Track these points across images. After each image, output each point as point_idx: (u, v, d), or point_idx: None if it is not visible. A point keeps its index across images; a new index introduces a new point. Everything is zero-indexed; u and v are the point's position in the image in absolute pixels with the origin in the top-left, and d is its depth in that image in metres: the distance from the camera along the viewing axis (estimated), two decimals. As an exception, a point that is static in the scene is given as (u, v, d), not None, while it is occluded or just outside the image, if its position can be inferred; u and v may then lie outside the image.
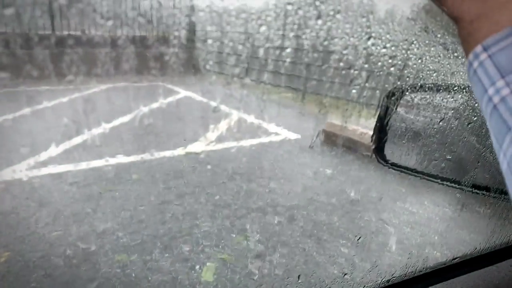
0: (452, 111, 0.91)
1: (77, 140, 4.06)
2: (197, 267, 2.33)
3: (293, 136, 4.92)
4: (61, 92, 5.67)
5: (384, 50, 2.54)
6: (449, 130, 0.86)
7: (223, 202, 3.09)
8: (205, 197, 3.14)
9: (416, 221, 3.08)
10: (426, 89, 0.98)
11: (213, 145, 4.32)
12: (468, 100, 0.87)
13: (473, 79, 0.34)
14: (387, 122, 0.88)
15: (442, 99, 0.94)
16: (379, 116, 0.91)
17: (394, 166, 0.90)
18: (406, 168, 0.90)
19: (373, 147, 0.93)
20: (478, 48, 0.32)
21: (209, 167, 3.72)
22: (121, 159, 3.70)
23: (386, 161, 0.91)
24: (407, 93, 0.94)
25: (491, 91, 0.31)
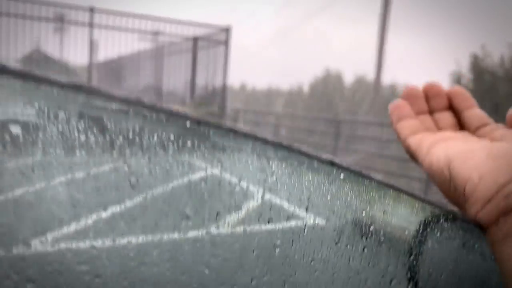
0: None
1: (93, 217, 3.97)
2: None
3: (321, 222, 4.74)
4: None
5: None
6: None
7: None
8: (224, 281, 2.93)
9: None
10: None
11: (237, 227, 4.17)
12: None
13: None
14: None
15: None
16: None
17: None
18: None
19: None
20: None
21: (230, 251, 3.53)
22: (140, 238, 3.58)
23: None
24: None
25: None
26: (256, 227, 0.38)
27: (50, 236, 0.30)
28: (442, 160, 0.39)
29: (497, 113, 0.46)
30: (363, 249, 0.39)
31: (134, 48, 8.79)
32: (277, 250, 0.35)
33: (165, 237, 0.31)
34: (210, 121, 0.29)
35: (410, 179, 7.00)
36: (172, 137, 0.30)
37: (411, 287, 0.48)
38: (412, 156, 0.44)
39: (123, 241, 0.30)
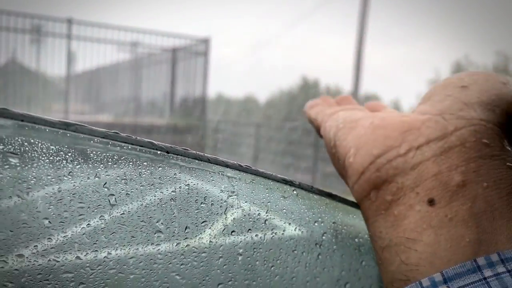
0: None
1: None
2: None
3: (300, 232, 4.81)
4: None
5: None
6: None
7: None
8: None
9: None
10: None
11: (217, 237, 4.21)
12: None
13: None
14: None
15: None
16: None
17: None
18: None
19: None
20: (437, 276, 0.27)
21: (210, 261, 3.56)
22: (121, 251, 3.59)
23: None
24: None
25: None
26: (226, 239, 0.43)
27: (32, 249, 0.35)
28: (332, 130, 0.37)
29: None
30: (318, 256, 0.45)
31: (112, 59, 8.78)
32: (240, 258, 0.41)
33: (140, 249, 0.36)
34: (179, 149, 0.35)
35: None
36: (146, 164, 0.35)
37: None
38: (316, 129, 0.44)
39: (104, 253, 0.35)
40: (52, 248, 0.33)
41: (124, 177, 0.33)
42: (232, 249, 0.42)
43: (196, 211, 0.38)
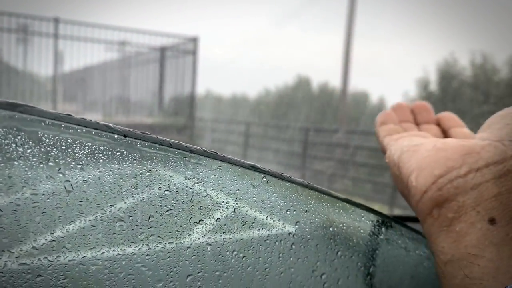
0: None
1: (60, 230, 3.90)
2: None
3: (291, 229, 4.80)
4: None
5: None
6: None
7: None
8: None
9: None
10: None
11: (207, 236, 4.18)
12: None
13: None
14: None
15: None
16: None
17: None
18: None
19: None
20: None
21: (200, 260, 3.54)
22: (109, 251, 3.55)
23: None
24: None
25: None
26: (194, 229, 0.42)
27: (19, 250, 0.33)
28: (397, 152, 0.40)
29: (463, 117, 0.49)
30: (291, 245, 0.44)
31: (100, 59, 8.71)
32: (209, 248, 0.39)
33: (101, 239, 0.35)
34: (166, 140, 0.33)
35: (376, 185, 7.15)
36: (102, 148, 0.33)
37: (341, 281, 0.52)
38: (382, 150, 0.47)
39: (61, 244, 0.33)
40: (4, 238, 0.32)
41: (80, 162, 0.32)
42: (200, 239, 0.40)
43: (160, 199, 0.37)
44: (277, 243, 0.44)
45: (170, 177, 0.36)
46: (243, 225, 0.43)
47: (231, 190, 0.40)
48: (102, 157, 0.32)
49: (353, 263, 0.52)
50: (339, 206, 0.48)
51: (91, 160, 0.32)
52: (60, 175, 0.31)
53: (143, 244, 0.38)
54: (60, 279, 0.35)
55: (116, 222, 0.36)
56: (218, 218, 0.40)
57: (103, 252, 0.36)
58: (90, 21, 8.32)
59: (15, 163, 0.30)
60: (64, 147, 0.31)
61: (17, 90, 8.06)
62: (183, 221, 0.39)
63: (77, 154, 0.32)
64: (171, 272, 0.40)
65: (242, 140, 9.68)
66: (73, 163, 0.32)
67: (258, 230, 0.42)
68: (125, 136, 0.32)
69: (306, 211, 0.45)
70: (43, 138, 0.30)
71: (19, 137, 0.30)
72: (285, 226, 0.43)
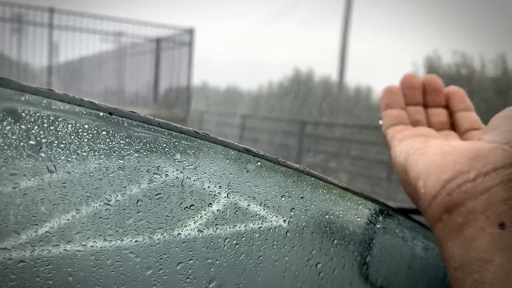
0: None
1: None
2: None
3: (284, 223, 4.80)
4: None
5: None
6: None
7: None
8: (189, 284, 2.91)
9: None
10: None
11: (201, 229, 4.17)
12: None
13: None
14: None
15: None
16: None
17: None
18: None
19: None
20: None
21: (195, 252, 3.52)
22: (102, 243, 3.53)
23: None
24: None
25: None
26: (184, 214, 0.40)
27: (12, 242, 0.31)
28: (403, 155, 0.40)
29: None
30: (286, 233, 0.42)
31: (95, 50, 8.64)
32: (200, 235, 0.38)
33: (86, 224, 0.33)
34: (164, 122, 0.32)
35: (371, 179, 7.16)
36: (131, 142, 0.32)
37: (337, 270, 0.51)
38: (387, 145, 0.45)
39: (44, 227, 0.31)
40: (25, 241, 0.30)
41: (63, 141, 0.30)
42: (191, 226, 0.39)
43: (149, 182, 0.35)
44: (271, 230, 0.43)
45: (160, 159, 0.35)
46: (236, 211, 0.41)
47: (223, 174, 0.38)
48: (87, 136, 0.31)
49: (349, 252, 0.51)
50: (335, 193, 0.46)
51: (75, 139, 0.30)
52: (42, 154, 0.30)
53: (131, 230, 0.36)
54: (44, 265, 0.33)
55: (103, 206, 0.34)
56: (210, 203, 0.39)
57: (89, 237, 0.35)
58: (85, 11, 8.25)
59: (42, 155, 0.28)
60: (46, 125, 0.29)
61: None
62: (173, 206, 0.38)
63: (60, 133, 0.30)
64: (160, 259, 0.38)
65: (237, 132, 9.65)
66: (56, 142, 0.30)
67: (251, 217, 0.41)
68: (111, 114, 0.30)
69: (301, 197, 0.44)
70: (23, 114, 0.28)
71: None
72: (279, 213, 0.42)
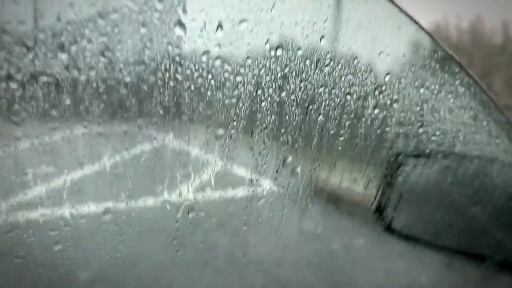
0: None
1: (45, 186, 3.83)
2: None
3: (276, 188, 4.77)
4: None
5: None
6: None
7: (205, 254, 2.88)
8: (182, 249, 2.93)
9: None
10: (435, 157, 0.88)
11: (193, 195, 4.15)
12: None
13: None
14: (392, 183, 0.78)
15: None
16: (384, 176, 0.81)
17: (402, 236, 0.79)
18: (417, 238, 0.79)
19: (374, 208, 0.82)
20: None
21: (187, 218, 3.52)
22: (95, 207, 3.50)
23: (389, 227, 0.80)
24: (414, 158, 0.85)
25: None
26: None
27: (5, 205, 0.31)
28: None
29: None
30: (280, 197, 0.42)
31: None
32: (194, 203, 0.37)
33: (121, 205, 0.32)
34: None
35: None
36: (122, 107, 0.31)
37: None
38: None
39: (79, 209, 0.31)
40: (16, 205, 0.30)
41: (99, 124, 0.29)
42: (186, 194, 0.39)
43: (141, 149, 0.34)
44: (268, 199, 0.43)
45: (152, 125, 0.33)
46: (231, 181, 0.41)
47: (218, 142, 0.37)
48: (122, 116, 0.30)
49: (353, 225, 0.51)
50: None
51: (110, 121, 0.29)
52: (78, 137, 0.29)
53: (123, 195, 0.35)
54: (26, 230, 0.32)
55: (90, 174, 0.33)
56: (205, 171, 0.38)
57: (77, 202, 0.34)
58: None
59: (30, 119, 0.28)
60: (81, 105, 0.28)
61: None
62: (165, 172, 0.37)
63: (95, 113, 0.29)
64: (153, 223, 0.38)
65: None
66: (90, 122, 0.29)
67: (247, 186, 0.41)
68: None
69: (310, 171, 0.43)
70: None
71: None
72: (287, 191, 0.42)
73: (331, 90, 0.57)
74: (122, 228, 0.34)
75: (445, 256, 0.74)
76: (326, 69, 0.50)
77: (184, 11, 0.39)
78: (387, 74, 0.58)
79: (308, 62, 0.48)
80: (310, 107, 0.54)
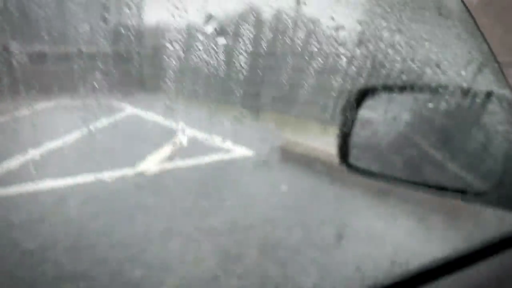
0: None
1: (13, 162, 3.74)
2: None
3: (248, 153, 4.75)
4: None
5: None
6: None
7: (177, 222, 2.90)
8: (155, 218, 2.94)
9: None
10: (398, 89, 0.90)
11: (163, 164, 4.10)
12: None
13: None
14: (352, 126, 0.81)
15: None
16: (343, 119, 0.83)
17: (360, 171, 0.82)
18: (373, 173, 0.82)
19: (338, 152, 0.86)
20: None
21: (158, 187, 3.51)
22: (64, 181, 3.42)
23: (353, 167, 0.83)
24: (376, 93, 0.87)
25: None
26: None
27: None
28: None
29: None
30: (266, 174, 0.45)
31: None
32: (167, 174, 0.39)
33: (89, 178, 0.33)
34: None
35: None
36: (93, 77, 0.32)
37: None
38: None
39: (45, 184, 0.32)
40: None
41: (68, 94, 0.30)
42: (158, 166, 0.40)
43: (108, 119, 0.35)
44: (239, 163, 0.45)
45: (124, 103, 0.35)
46: (202, 150, 0.43)
47: (189, 115, 0.39)
48: (92, 87, 0.31)
49: (331, 192, 0.53)
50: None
51: (79, 91, 0.31)
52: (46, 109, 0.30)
53: (92, 167, 0.37)
54: (4, 203, 0.34)
55: (65, 150, 0.34)
56: (175, 142, 0.40)
57: (49, 176, 0.35)
58: None
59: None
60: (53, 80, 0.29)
61: None
62: (133, 142, 0.38)
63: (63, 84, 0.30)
64: (118, 199, 0.39)
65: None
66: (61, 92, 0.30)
67: (218, 154, 0.43)
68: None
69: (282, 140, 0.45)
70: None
71: None
72: (259, 156, 0.43)
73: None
74: (90, 201, 0.35)
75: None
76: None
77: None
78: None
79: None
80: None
